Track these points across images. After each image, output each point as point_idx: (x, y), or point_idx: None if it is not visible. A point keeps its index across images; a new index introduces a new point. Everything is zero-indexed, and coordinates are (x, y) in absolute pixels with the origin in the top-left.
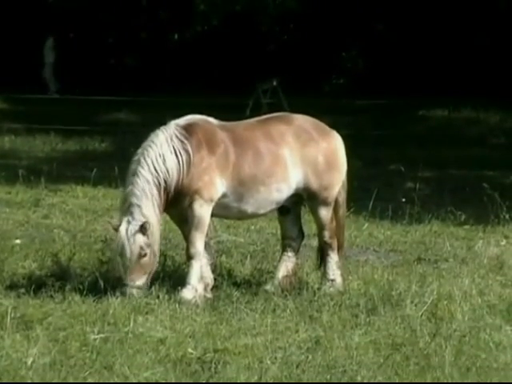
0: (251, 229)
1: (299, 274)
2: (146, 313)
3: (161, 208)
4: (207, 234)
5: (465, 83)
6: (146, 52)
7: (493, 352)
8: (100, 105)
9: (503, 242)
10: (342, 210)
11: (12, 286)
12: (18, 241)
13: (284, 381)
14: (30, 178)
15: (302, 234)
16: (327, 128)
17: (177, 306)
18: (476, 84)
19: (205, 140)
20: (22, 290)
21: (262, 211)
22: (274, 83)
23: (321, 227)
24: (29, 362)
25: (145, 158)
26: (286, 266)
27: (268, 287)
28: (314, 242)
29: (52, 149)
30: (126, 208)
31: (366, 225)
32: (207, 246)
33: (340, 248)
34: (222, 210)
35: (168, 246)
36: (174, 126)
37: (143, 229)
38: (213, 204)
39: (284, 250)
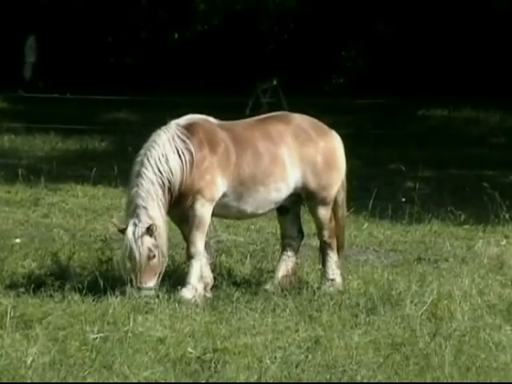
0: (251, 228)
1: (299, 274)
2: (146, 312)
3: (166, 209)
4: (207, 234)
5: (465, 83)
6: (146, 51)
7: (493, 352)
8: (100, 104)
9: (503, 242)
10: (342, 211)
11: (11, 285)
12: (17, 240)
13: (284, 380)
14: (30, 177)
15: (301, 234)
16: (326, 127)
17: (176, 305)
18: (476, 84)
19: (206, 139)
20: (22, 289)
21: (260, 211)
22: (274, 83)
23: (320, 227)
24: (28, 362)
25: (148, 159)
26: (286, 265)
27: (268, 287)
28: (314, 242)
29: (52, 148)
30: (132, 210)
31: (366, 224)
32: (207, 245)
33: (340, 248)
34: (221, 210)
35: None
36: (175, 126)
37: (150, 231)
38: (214, 204)
39: (284, 249)
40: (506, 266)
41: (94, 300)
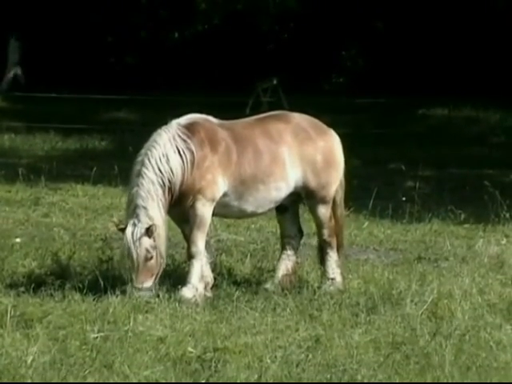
0: (251, 227)
1: (299, 273)
2: (146, 311)
3: (166, 209)
4: (207, 233)
5: (464, 82)
6: (146, 51)
7: (493, 351)
8: (100, 103)
9: (503, 241)
10: (340, 209)
11: (12, 285)
12: (17, 239)
13: (284, 380)
14: (30, 176)
15: (300, 233)
16: (324, 126)
17: (177, 304)
18: (476, 83)
19: (207, 139)
20: (22, 289)
21: (261, 210)
22: (274, 82)
23: (320, 226)
24: (29, 361)
25: (149, 159)
26: (286, 264)
27: (268, 286)
28: (314, 241)
29: (52, 147)
30: (132, 210)
31: (366, 224)
32: (207, 244)
33: (339, 247)
34: (221, 209)
35: (168, 245)
36: (176, 126)
37: (149, 231)
38: (214, 203)
39: (283, 248)
40: (507, 265)
41: (94, 299)
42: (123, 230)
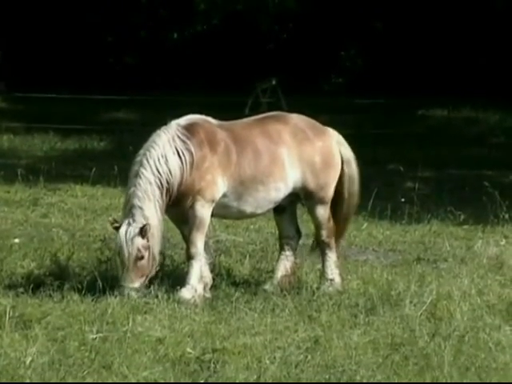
0: (250, 228)
1: (298, 274)
2: (145, 312)
3: (163, 209)
4: (206, 234)
5: (464, 83)
6: (146, 51)
7: (492, 352)
8: (99, 104)
9: (503, 242)
10: (348, 203)
11: (11, 286)
12: (16, 240)
13: (283, 380)
14: (29, 177)
15: (299, 233)
16: (322, 126)
17: (176, 305)
18: (475, 84)
19: (206, 139)
20: (21, 290)
21: (260, 211)
22: (273, 82)
23: (318, 226)
24: (27, 362)
25: (147, 159)
26: (285, 265)
27: (267, 287)
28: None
29: (51, 148)
30: (128, 210)
31: (366, 224)
32: (206, 245)
33: (339, 238)
34: (220, 210)
35: (167, 246)
36: (175, 127)
37: (143, 231)
38: (214, 204)
39: (282, 249)
40: (506, 266)
41: (93, 300)
42: (118, 229)
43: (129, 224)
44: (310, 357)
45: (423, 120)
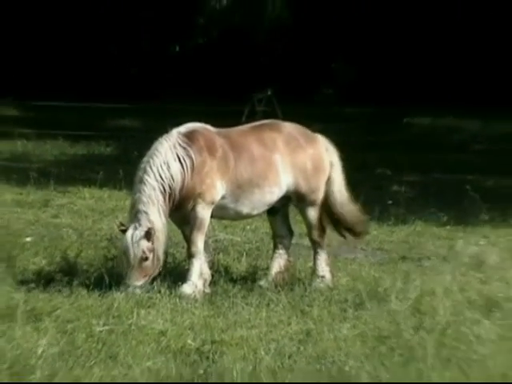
0: (247, 228)
1: (291, 271)
2: (148, 306)
3: (166, 214)
4: (206, 234)
5: (447, 93)
6: (149, 62)
7: (472, 344)
8: (106, 112)
9: (482, 242)
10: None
11: (23, 281)
12: (28, 239)
13: (277, 370)
14: (41, 180)
15: (291, 232)
16: (312, 134)
17: (177, 300)
18: (458, 93)
19: (206, 146)
20: (33, 285)
21: (255, 212)
22: (269, 92)
23: (309, 226)
24: (38, 352)
25: (150, 166)
26: (279, 262)
27: (262, 283)
28: (305, 242)
29: (61, 153)
30: (134, 214)
31: None
32: (205, 244)
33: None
34: (219, 211)
35: (168, 244)
36: (176, 134)
37: (148, 234)
38: (213, 206)
39: (276, 247)
40: (485, 265)
41: (100, 295)
42: (125, 232)
43: (135, 228)
44: (302, 348)
45: (409, 127)
